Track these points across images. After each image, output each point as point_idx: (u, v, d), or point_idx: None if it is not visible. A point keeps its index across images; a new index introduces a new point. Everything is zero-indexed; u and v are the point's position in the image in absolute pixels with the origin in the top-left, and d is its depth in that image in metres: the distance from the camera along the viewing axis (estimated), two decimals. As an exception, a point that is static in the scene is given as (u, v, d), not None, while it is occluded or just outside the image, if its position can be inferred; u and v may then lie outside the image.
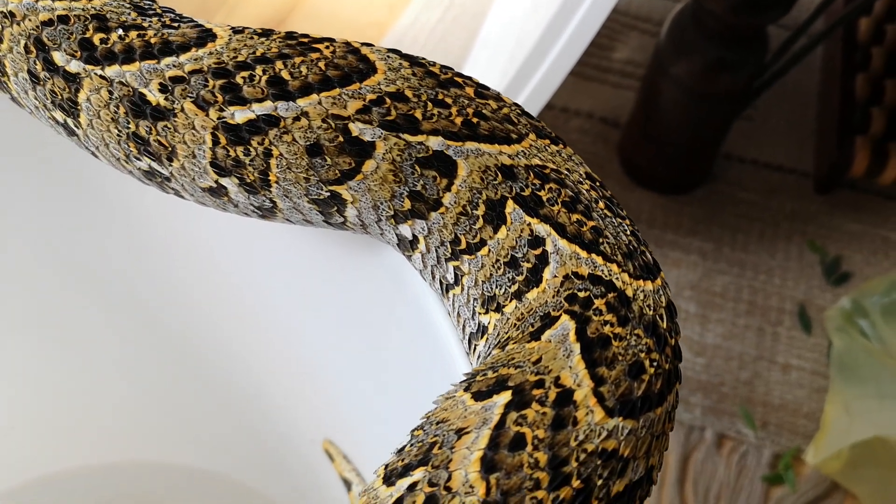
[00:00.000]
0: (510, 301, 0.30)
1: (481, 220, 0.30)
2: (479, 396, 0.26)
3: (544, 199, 0.30)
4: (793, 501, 0.62)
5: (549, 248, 0.29)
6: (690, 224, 0.75)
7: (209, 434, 0.59)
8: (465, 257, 0.31)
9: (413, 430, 0.27)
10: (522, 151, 0.31)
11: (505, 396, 0.26)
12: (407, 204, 0.31)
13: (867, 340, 0.64)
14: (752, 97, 0.70)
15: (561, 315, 0.28)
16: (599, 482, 0.25)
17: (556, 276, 0.29)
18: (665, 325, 0.28)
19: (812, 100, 0.83)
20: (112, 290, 0.53)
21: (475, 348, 0.31)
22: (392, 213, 0.31)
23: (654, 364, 0.27)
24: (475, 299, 0.31)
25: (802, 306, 0.72)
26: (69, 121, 0.33)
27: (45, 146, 0.44)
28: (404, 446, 0.27)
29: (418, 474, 0.25)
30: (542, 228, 0.29)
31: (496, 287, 0.30)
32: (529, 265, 0.29)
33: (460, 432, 0.26)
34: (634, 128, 0.75)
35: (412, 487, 0.25)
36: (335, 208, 0.31)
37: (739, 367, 0.69)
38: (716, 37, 0.65)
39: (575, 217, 0.29)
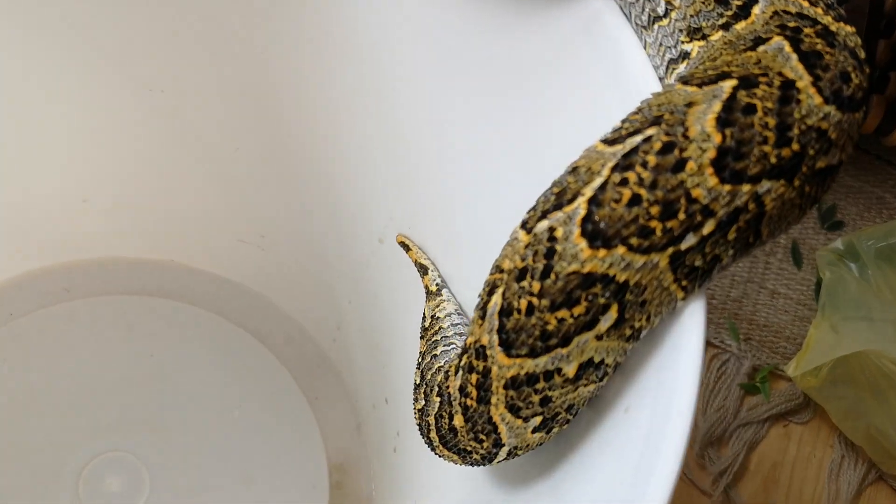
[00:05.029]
0: (716, 31, 0.33)
1: None
2: (702, 84, 0.29)
3: None
4: (765, 409, 0.64)
5: None
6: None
7: (263, 236, 0.58)
8: None
9: (628, 115, 0.30)
10: None
11: (731, 82, 0.29)
12: None
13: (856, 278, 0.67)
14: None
15: (773, 36, 0.31)
16: (811, 152, 0.29)
17: (764, 12, 0.32)
18: (863, 56, 0.31)
19: (830, 62, 0.86)
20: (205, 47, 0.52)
21: (673, 71, 0.35)
22: None
23: (858, 78, 0.30)
24: (680, 30, 0.34)
25: (795, 243, 0.74)
26: None
27: None
28: (618, 126, 0.30)
29: (651, 131, 0.28)
30: None
31: (703, 20, 0.34)
32: (739, 2, 0.33)
33: (690, 105, 0.28)
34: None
35: (647, 140, 0.28)
36: None
37: (731, 285, 0.71)
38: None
39: None
